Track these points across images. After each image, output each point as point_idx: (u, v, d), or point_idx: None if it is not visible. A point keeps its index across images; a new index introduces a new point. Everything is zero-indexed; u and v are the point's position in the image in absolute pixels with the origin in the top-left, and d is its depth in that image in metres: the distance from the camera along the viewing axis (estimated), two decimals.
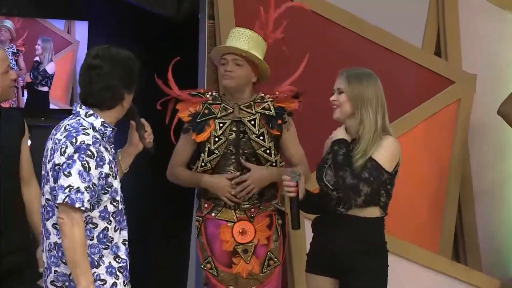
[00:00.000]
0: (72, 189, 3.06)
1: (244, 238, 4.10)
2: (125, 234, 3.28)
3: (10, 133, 3.52)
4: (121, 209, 3.26)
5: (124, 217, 3.30)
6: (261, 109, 4.14)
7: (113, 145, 3.31)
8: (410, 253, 4.77)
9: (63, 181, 3.08)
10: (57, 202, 3.10)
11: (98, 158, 3.12)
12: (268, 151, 4.11)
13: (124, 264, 3.24)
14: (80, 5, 6.23)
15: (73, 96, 6.35)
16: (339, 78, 3.62)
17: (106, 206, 3.18)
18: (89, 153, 3.11)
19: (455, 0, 5.20)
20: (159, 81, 4.14)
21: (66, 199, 3.06)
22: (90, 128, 3.18)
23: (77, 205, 3.06)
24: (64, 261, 3.15)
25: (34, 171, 3.69)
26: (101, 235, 3.18)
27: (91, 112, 3.22)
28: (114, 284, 3.20)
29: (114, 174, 3.23)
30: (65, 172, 3.08)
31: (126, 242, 3.28)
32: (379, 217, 3.61)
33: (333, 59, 4.85)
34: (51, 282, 3.23)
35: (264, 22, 4.23)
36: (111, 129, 3.24)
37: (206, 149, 4.09)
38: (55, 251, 3.20)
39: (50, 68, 6.24)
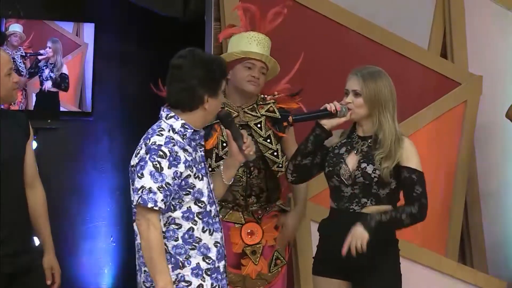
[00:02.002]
0: (144, 190, 3.08)
1: (252, 239, 4.11)
2: (217, 236, 3.26)
3: (15, 136, 3.51)
4: (210, 210, 3.24)
5: (217, 219, 3.27)
6: (266, 111, 4.15)
7: (202, 148, 3.30)
8: (416, 255, 4.76)
9: (137, 182, 3.11)
10: (133, 204, 3.14)
11: (171, 158, 3.11)
12: (275, 153, 4.11)
13: (212, 266, 3.22)
14: (87, 7, 6.25)
15: (82, 98, 6.36)
16: (353, 79, 3.54)
17: (189, 207, 3.18)
18: (161, 153, 3.11)
19: (461, 2, 5.21)
20: (155, 90, 4.09)
21: (139, 200, 3.08)
22: (169, 129, 3.18)
23: (150, 205, 3.07)
24: None
25: (39, 173, 3.67)
26: (186, 235, 3.17)
27: (172, 114, 3.22)
28: (200, 285, 3.18)
29: (200, 175, 3.21)
30: (138, 174, 3.11)
31: (218, 245, 3.25)
32: None
33: (339, 61, 4.85)
34: (143, 282, 3.23)
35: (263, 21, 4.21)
36: (192, 130, 3.22)
37: (214, 154, 4.06)
38: (142, 252, 3.19)
39: (65, 70, 6.27)
